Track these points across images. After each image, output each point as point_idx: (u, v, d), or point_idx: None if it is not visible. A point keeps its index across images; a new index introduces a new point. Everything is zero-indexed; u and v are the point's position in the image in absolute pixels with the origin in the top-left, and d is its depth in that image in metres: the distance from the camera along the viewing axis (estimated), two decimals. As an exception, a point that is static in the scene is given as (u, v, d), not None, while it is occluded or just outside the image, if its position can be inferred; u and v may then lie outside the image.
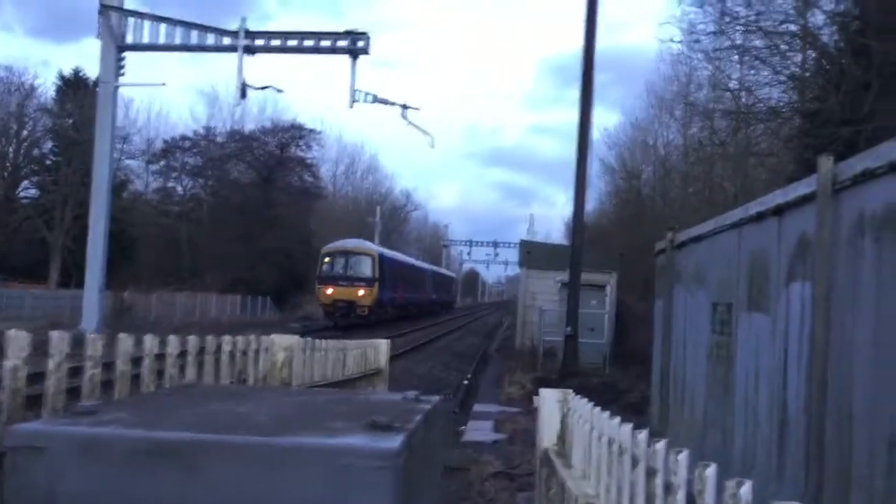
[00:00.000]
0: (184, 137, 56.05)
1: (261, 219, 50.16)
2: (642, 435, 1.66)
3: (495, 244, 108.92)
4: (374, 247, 42.64)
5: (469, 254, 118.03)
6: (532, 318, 23.91)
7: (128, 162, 51.29)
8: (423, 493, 2.27)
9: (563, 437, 2.81)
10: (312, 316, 45.30)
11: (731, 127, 22.21)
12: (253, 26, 25.38)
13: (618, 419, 1.99)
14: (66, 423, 2.00)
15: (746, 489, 0.91)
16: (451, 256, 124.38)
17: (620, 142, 44.33)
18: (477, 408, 14.63)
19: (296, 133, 56.87)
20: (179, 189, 57.13)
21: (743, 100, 20.46)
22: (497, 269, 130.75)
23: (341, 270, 37.31)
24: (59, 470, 1.81)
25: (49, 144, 46.63)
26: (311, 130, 58.44)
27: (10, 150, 45.77)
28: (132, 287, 38.21)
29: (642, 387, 15.51)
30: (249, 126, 57.83)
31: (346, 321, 34.99)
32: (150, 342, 2.90)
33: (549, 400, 2.89)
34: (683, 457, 1.50)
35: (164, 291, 39.46)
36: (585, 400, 2.53)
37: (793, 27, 16.01)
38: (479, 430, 12.24)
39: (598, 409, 2.32)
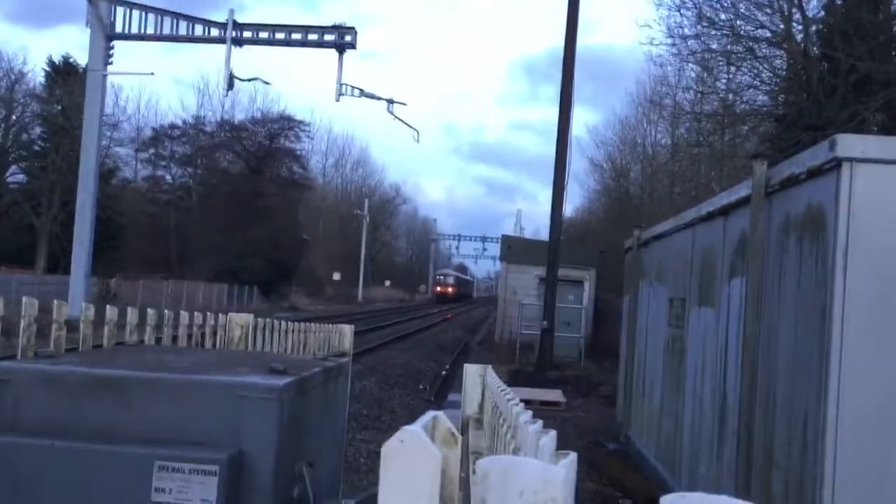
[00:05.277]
0: (173, 126, 56.24)
1: (249, 209, 50.33)
2: (512, 395, 2.04)
3: (483, 239, 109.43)
4: (454, 272, 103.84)
5: (458, 248, 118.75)
6: (512, 312, 24.31)
7: (117, 149, 51.23)
8: (320, 434, 2.67)
9: (482, 406, 3.19)
10: (298, 306, 45.54)
11: (717, 127, 22.57)
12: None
13: (503, 385, 2.36)
14: (28, 362, 2.52)
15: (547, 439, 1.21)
16: (440, 251, 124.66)
17: (608, 140, 44.70)
18: (451, 398, 15.02)
19: (285, 124, 56.94)
20: (168, 177, 57.28)
21: (730, 100, 20.81)
22: (486, 264, 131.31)
23: (442, 280, 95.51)
24: (20, 397, 2.30)
25: (38, 130, 46.52)
26: (301, 122, 58.58)
27: (-1, 134, 45.76)
28: (119, 274, 38.39)
29: (615, 379, 15.92)
30: (239, 116, 58.06)
31: (443, 300, 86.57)
32: (131, 314, 3.34)
33: (471, 374, 3.26)
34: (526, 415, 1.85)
35: (151, 279, 39.62)
36: (494, 373, 2.90)
37: (767, 33, 16.43)
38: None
39: (495, 379, 2.69)
